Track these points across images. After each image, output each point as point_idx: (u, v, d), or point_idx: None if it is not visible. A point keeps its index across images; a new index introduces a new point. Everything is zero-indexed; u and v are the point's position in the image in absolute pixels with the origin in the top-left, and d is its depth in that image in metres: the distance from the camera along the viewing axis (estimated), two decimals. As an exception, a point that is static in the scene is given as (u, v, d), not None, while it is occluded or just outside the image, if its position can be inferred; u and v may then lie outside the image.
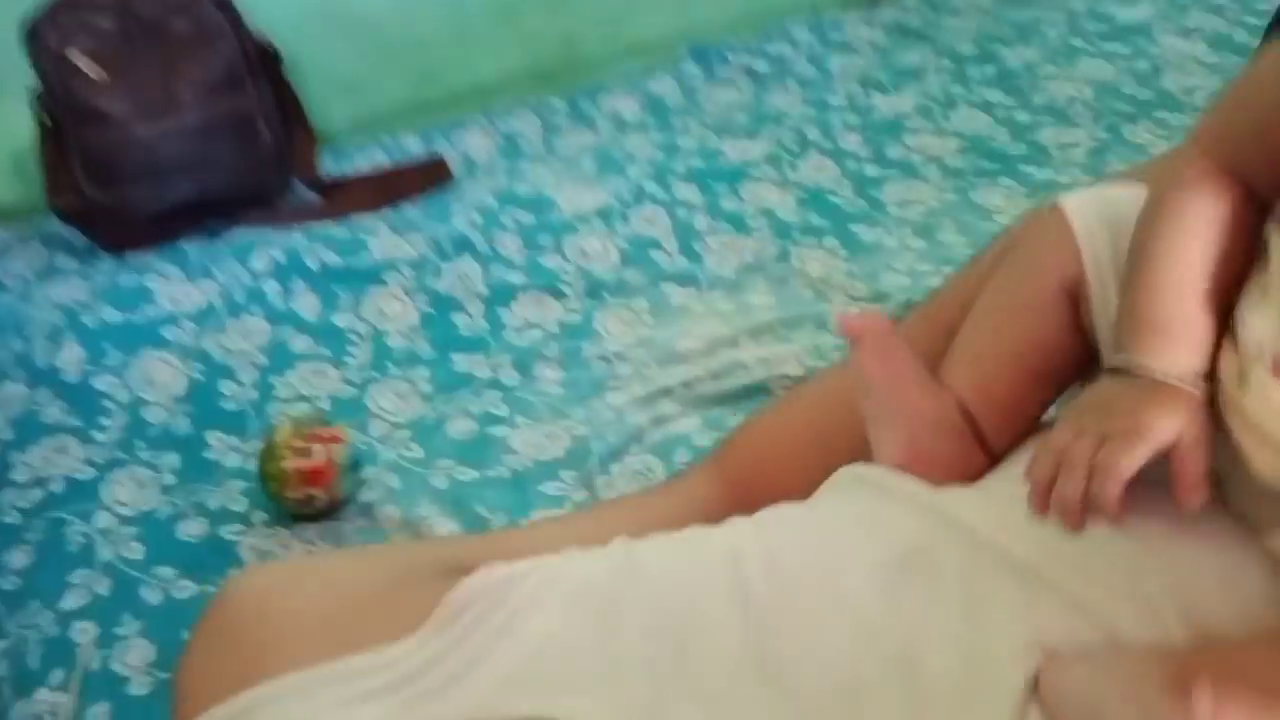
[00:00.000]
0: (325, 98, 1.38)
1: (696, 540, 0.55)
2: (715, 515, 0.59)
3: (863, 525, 0.51)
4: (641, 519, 0.62)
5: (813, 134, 1.33)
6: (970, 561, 0.47)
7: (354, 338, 1.08)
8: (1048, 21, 1.54)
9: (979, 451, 0.54)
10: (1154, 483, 0.46)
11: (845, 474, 0.57)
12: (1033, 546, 0.47)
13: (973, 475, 0.54)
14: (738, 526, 0.56)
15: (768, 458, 0.66)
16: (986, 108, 1.37)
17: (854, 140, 1.32)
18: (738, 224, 1.19)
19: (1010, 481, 0.51)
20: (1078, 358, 0.54)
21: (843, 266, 1.11)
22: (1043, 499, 0.46)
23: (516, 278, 1.13)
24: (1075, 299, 0.52)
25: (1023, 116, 1.35)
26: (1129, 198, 0.52)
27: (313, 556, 0.83)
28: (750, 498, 0.60)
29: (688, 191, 1.24)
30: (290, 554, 0.85)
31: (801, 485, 0.59)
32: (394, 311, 1.10)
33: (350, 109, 1.43)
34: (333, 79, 1.39)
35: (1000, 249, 0.61)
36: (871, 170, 1.27)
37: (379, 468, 0.92)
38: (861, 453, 0.59)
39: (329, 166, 1.33)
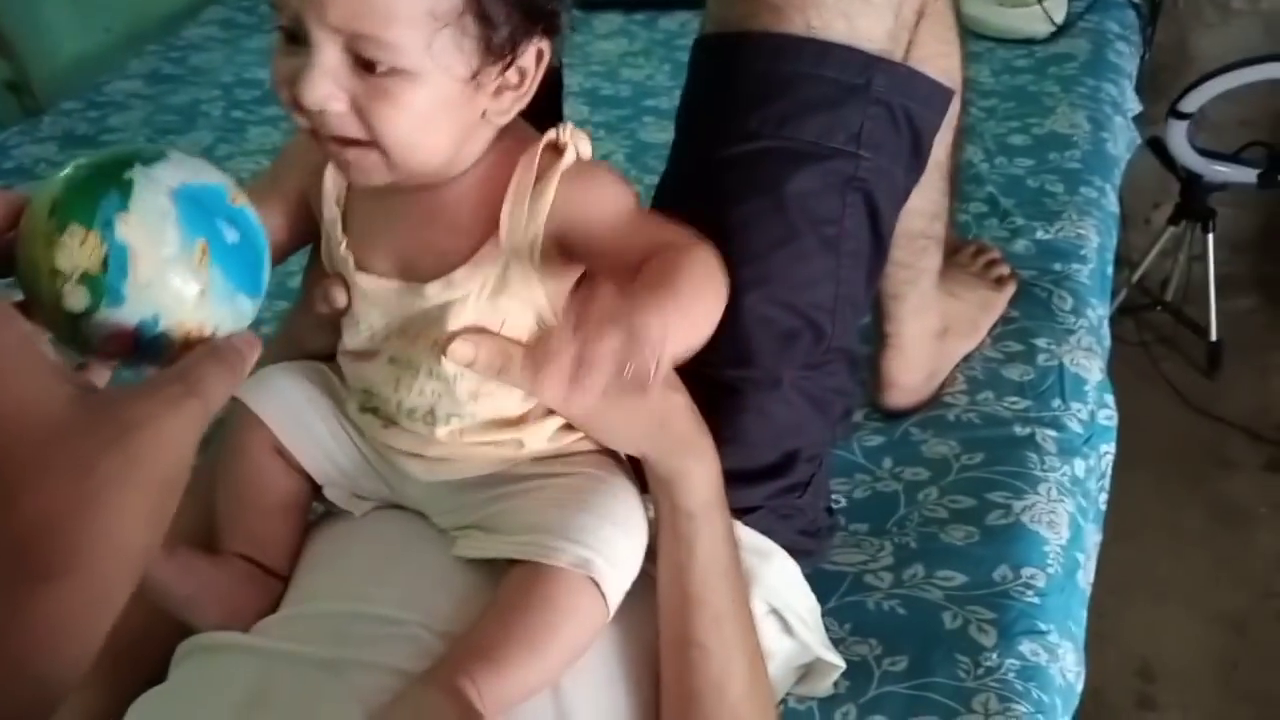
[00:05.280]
0: None
1: None
2: None
3: (208, 685, 0.58)
4: None
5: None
6: (293, 676, 0.56)
7: None
8: (206, 100, 1.67)
9: (272, 581, 0.66)
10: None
11: (184, 648, 0.63)
12: (325, 642, 0.58)
13: (276, 601, 0.66)
14: None
15: None
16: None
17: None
18: None
19: (296, 603, 0.65)
20: (301, 484, 0.68)
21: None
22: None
23: None
24: (279, 449, 0.67)
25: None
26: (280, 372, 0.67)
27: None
28: None
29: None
30: None
31: None
32: None
33: None
34: None
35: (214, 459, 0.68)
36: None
37: None
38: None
39: None
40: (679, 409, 0.65)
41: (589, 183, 0.57)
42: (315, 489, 0.69)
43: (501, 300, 0.58)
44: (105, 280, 0.37)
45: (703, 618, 0.63)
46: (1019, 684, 0.80)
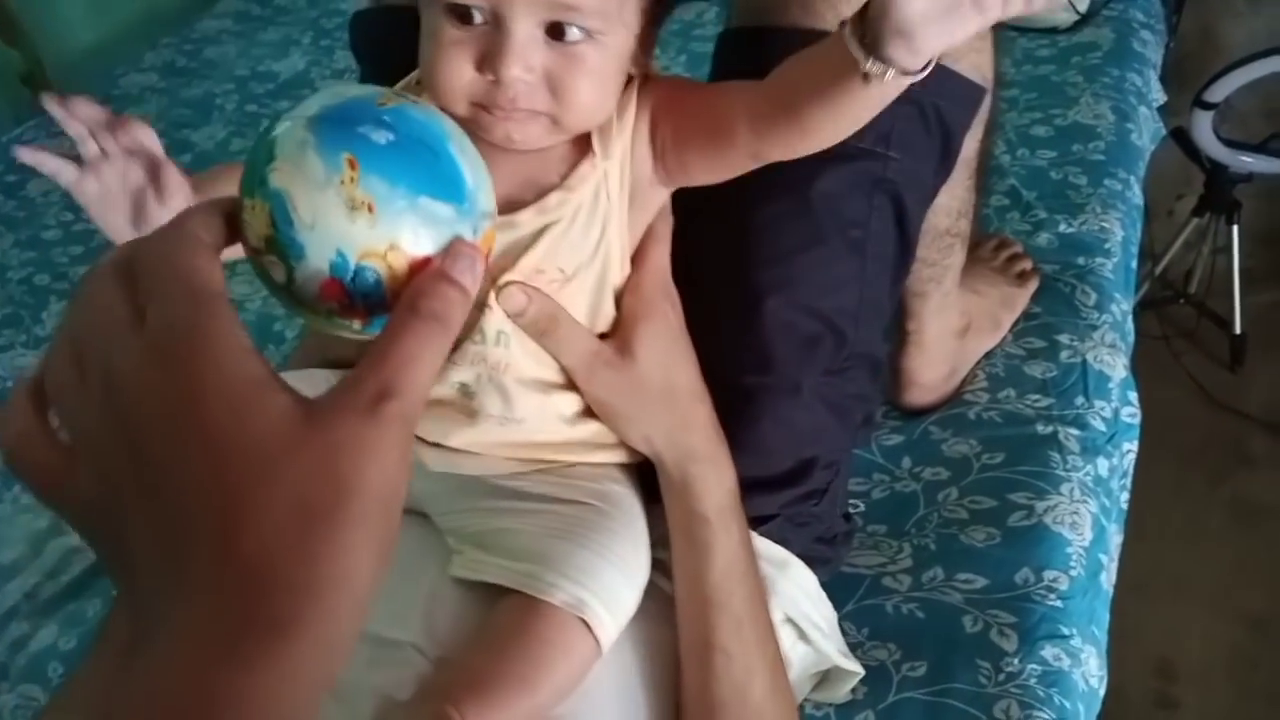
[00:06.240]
0: None
1: None
2: None
3: None
4: None
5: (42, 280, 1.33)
6: None
7: None
8: (220, 94, 1.66)
9: None
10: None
11: None
12: None
13: None
14: None
15: None
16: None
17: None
18: None
19: None
20: None
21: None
22: None
23: None
24: None
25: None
26: None
27: None
28: None
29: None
30: None
31: None
32: None
33: None
34: None
35: None
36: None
37: None
38: None
39: None
40: (702, 418, 0.65)
41: (664, 78, 0.60)
42: None
43: (591, 231, 0.58)
44: (279, 237, 0.35)
45: (723, 622, 0.62)
46: (1041, 690, 0.79)
